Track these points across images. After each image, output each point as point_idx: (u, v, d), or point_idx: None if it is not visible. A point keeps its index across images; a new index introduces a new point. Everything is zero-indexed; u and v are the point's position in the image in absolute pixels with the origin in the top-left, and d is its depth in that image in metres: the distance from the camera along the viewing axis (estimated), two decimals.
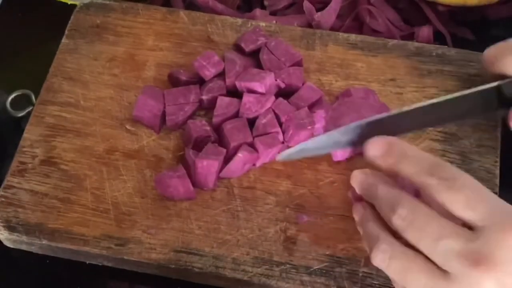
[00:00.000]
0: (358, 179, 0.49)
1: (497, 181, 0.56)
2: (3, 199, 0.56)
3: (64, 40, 0.65)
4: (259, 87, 0.58)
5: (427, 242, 0.42)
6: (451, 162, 0.57)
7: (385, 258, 0.44)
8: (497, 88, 0.52)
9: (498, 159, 0.57)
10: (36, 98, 0.63)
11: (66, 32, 0.65)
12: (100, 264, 0.56)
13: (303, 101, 0.59)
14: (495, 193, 0.55)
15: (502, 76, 0.53)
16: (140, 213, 0.55)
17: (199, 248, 0.54)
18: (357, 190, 0.50)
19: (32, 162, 0.58)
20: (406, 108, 0.50)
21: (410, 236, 0.43)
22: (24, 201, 0.56)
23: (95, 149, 0.59)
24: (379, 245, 0.45)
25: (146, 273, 0.55)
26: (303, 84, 0.60)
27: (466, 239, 0.41)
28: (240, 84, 0.59)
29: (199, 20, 0.66)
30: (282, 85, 0.59)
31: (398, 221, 0.44)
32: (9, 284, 0.58)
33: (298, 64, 0.61)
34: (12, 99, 0.65)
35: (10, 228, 0.55)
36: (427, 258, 0.42)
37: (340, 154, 0.57)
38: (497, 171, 0.56)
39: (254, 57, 0.62)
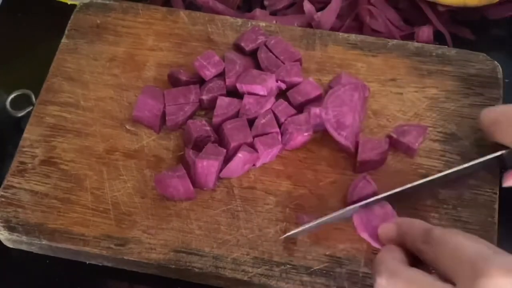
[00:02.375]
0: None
1: (497, 181, 0.56)
2: (3, 199, 0.56)
3: (64, 40, 0.65)
4: (260, 90, 0.58)
5: None
6: (451, 162, 0.57)
7: None
8: (498, 157, 0.54)
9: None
10: (36, 98, 0.63)
11: (66, 32, 0.65)
12: (100, 264, 0.56)
13: (301, 95, 0.59)
14: (495, 193, 0.55)
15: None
16: (140, 213, 0.55)
17: (199, 248, 0.54)
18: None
19: (32, 162, 0.58)
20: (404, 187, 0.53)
21: None
22: (24, 201, 0.56)
23: (95, 149, 0.59)
24: None
25: (146, 273, 0.55)
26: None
27: None
28: (241, 87, 0.59)
29: (199, 20, 0.66)
30: (283, 87, 0.59)
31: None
32: (9, 284, 0.58)
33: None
34: (12, 99, 0.65)
35: (10, 228, 0.55)
36: None
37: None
38: (497, 171, 0.56)
39: (254, 57, 0.62)
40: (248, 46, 0.62)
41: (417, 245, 0.47)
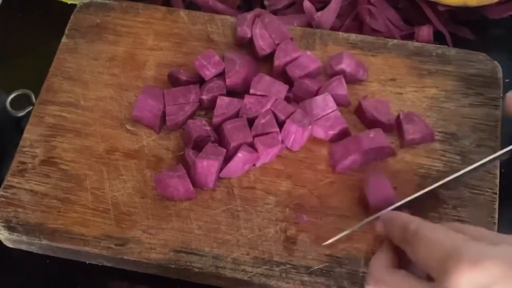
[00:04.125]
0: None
1: (497, 181, 0.56)
2: (3, 199, 0.56)
3: (64, 40, 0.65)
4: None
5: None
6: (451, 162, 0.57)
7: None
8: None
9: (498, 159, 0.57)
10: (36, 98, 0.63)
11: (66, 32, 0.65)
12: (100, 264, 0.56)
13: (299, 69, 0.60)
14: (495, 193, 0.55)
15: None
16: (140, 213, 0.55)
17: (199, 248, 0.54)
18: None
19: (32, 162, 0.58)
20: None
21: None
22: (24, 201, 0.56)
23: (95, 149, 0.59)
24: None
25: (146, 273, 0.55)
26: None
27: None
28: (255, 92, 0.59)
29: (199, 20, 0.66)
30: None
31: None
32: (9, 284, 0.58)
33: None
34: (12, 99, 0.65)
35: (10, 228, 0.55)
36: None
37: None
38: (497, 171, 0.56)
39: (254, 56, 0.63)
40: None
41: (398, 244, 0.47)
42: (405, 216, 0.48)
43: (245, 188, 0.56)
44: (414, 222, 0.46)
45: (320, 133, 0.58)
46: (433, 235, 0.44)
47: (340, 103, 0.59)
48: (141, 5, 0.67)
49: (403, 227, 0.47)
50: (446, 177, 0.56)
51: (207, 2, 0.70)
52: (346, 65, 0.60)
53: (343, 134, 0.58)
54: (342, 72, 0.60)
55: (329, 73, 0.61)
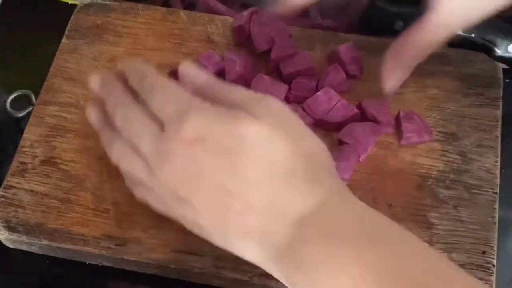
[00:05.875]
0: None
1: (497, 181, 0.56)
2: (3, 199, 0.56)
3: (64, 40, 0.65)
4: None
5: (135, 140, 0.46)
6: (451, 162, 0.57)
7: (113, 150, 0.49)
8: None
9: (498, 159, 0.57)
10: (36, 98, 0.63)
11: (66, 32, 0.65)
12: (100, 264, 0.56)
13: (292, 66, 0.60)
14: (495, 193, 0.55)
15: None
16: (140, 213, 0.55)
17: (199, 248, 0.54)
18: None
19: (32, 162, 0.58)
20: None
21: (124, 134, 0.48)
22: (24, 201, 0.56)
23: (95, 149, 0.58)
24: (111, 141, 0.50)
25: (146, 273, 0.55)
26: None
27: (157, 137, 0.44)
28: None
29: (199, 20, 0.66)
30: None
31: (117, 122, 0.49)
32: (9, 284, 0.58)
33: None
34: (12, 99, 0.65)
35: (10, 228, 0.55)
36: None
37: None
38: (497, 171, 0.56)
39: (253, 53, 0.63)
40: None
41: (134, 86, 0.49)
42: (144, 66, 0.50)
43: None
44: (151, 76, 0.48)
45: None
46: (167, 92, 0.46)
47: (341, 90, 0.59)
48: (141, 6, 0.67)
49: (141, 77, 0.49)
50: (446, 177, 0.56)
51: (207, 3, 0.70)
52: (343, 52, 0.60)
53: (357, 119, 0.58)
54: (335, 56, 0.61)
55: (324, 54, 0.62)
